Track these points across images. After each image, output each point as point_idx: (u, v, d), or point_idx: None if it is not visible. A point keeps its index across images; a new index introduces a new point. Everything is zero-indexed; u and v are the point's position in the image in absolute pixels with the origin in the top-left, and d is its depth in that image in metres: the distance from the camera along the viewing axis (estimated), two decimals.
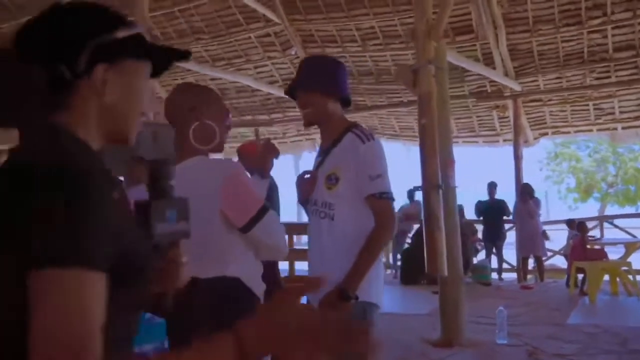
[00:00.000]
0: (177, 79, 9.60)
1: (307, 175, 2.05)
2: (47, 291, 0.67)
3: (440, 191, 4.55)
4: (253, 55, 9.75)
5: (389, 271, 9.65)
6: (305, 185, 2.01)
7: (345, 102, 2.07)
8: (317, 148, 2.17)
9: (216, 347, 0.69)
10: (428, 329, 5.03)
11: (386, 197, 1.92)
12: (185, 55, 0.94)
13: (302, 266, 5.26)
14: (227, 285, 1.64)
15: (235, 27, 9.35)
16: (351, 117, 11.01)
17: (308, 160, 11.67)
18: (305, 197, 2.03)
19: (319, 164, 2.03)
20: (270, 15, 8.76)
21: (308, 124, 2.05)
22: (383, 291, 2.02)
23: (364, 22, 8.62)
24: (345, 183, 1.93)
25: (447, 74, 4.77)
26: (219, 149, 1.74)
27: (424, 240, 4.60)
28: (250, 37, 9.43)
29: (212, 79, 10.29)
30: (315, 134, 11.11)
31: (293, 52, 9.37)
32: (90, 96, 0.84)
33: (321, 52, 9.27)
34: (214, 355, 0.68)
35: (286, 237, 1.83)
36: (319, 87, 1.97)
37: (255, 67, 9.95)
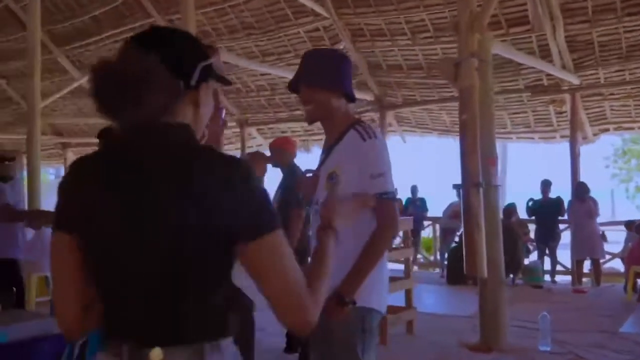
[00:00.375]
0: (229, 74, 9.74)
1: (309, 175, 1.99)
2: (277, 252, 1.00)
3: (481, 189, 4.37)
4: (302, 50, 9.71)
5: (437, 270, 9.45)
6: (308, 185, 1.95)
7: (350, 98, 1.99)
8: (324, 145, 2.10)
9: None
10: (469, 331, 4.87)
11: (387, 197, 1.83)
12: (229, 83, 1.21)
13: None
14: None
15: (284, 21, 9.37)
16: (400, 111, 10.83)
17: None
18: (307, 198, 1.97)
19: (321, 163, 1.96)
20: (318, 9, 8.71)
21: (310, 120, 1.97)
22: (387, 296, 1.91)
23: (414, 14, 8.41)
24: (345, 182, 1.84)
25: (490, 68, 4.57)
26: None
27: (463, 240, 4.45)
28: (299, 32, 9.42)
29: (262, 74, 10.38)
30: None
31: (341, 47, 9.28)
32: (191, 106, 1.07)
33: (370, 45, 9.17)
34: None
35: None
36: (322, 82, 1.90)
37: None
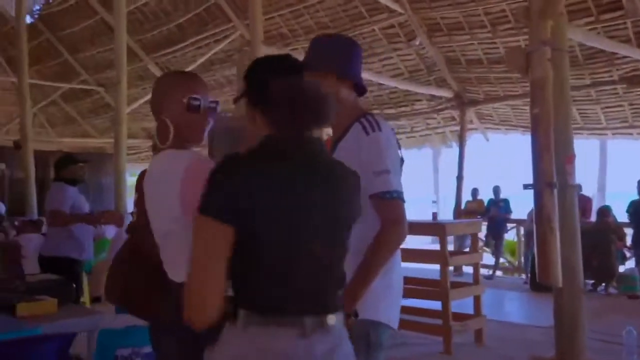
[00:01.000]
0: None
1: None
2: None
3: (555, 190, 3.99)
4: (378, 48, 9.55)
5: (522, 276, 8.90)
6: None
7: (360, 89, 1.83)
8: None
9: None
10: (545, 344, 4.49)
11: (392, 197, 1.64)
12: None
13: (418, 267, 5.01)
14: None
15: (359, 20, 9.24)
16: (481, 108, 10.37)
17: (447, 155, 11.10)
18: None
19: None
20: (393, 5, 8.49)
21: None
22: (398, 308, 1.72)
23: (494, 5, 7.96)
24: None
25: (566, 57, 4.16)
26: (196, 139, 1.61)
27: (535, 246, 4.09)
28: (374, 30, 9.25)
29: None
30: (443, 128, 10.61)
31: (417, 43, 9.00)
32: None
33: (448, 40, 8.81)
34: None
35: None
36: (333, 68, 1.74)
37: (381, 60, 9.74)
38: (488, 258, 9.44)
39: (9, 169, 12.87)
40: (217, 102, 1.65)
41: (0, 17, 12.52)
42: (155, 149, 1.68)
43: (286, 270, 1.16)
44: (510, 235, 9.88)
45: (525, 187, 4.17)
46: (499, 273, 9.32)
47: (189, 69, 10.22)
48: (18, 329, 2.29)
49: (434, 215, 4.57)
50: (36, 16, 13.67)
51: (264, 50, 6.31)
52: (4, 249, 3.59)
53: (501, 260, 9.47)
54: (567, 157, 4.04)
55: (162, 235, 1.54)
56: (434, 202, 4.59)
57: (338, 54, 1.78)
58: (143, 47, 12.20)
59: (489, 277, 8.87)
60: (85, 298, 5.97)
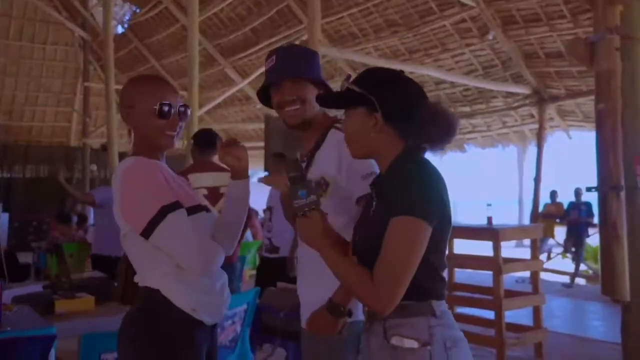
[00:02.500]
0: None
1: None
2: None
3: (623, 194, 3.61)
4: (450, 43, 9.20)
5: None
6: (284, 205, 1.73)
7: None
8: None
9: None
10: None
11: None
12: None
13: (461, 274, 4.75)
14: (144, 296, 1.49)
15: (429, 15, 8.95)
16: (563, 104, 9.66)
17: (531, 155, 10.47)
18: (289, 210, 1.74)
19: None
20: None
21: (298, 124, 1.72)
22: None
23: None
24: (336, 188, 1.64)
25: (639, 46, 3.74)
26: (167, 145, 1.57)
27: (599, 255, 3.71)
28: (445, 25, 8.91)
29: (411, 72, 10.05)
30: (521, 126, 10.02)
31: (491, 37, 8.56)
32: None
33: (525, 33, 8.30)
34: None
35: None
36: (310, 74, 1.69)
37: (453, 57, 9.38)
38: (569, 265, 8.81)
39: (99, 170, 13.80)
40: (187, 106, 1.60)
41: (96, 28, 13.45)
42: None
43: (443, 262, 1.34)
44: (593, 241, 9.15)
45: (589, 189, 3.80)
46: (580, 281, 8.66)
47: (263, 71, 10.39)
48: (34, 327, 2.39)
49: (489, 219, 4.29)
50: (126, 26, 14.57)
51: (322, 51, 6.25)
52: (58, 248, 3.80)
53: (582, 267, 8.79)
54: (637, 157, 3.63)
55: (122, 238, 1.53)
56: (488, 205, 4.30)
57: (311, 60, 1.73)
58: (221, 51, 12.59)
59: (569, 285, 8.26)
60: None
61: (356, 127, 1.36)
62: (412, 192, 1.27)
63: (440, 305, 1.32)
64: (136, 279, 1.55)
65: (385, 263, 1.24)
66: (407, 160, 1.34)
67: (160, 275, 1.47)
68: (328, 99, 1.48)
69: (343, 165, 1.61)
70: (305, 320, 1.65)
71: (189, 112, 1.61)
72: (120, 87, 11.92)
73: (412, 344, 1.27)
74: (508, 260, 4.17)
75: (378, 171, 1.59)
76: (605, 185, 3.68)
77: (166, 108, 1.54)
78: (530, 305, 4.25)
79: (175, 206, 1.43)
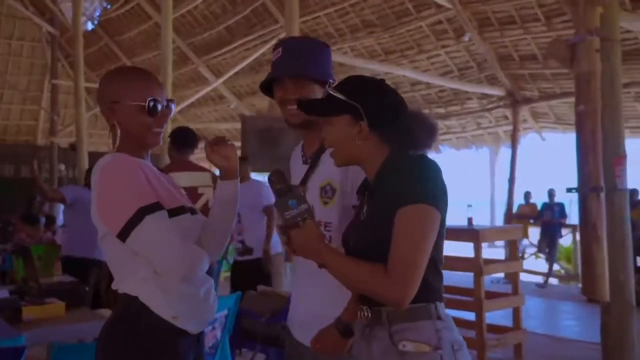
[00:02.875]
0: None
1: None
2: None
3: (602, 195, 3.63)
4: (426, 45, 9.22)
5: (579, 285, 8.32)
6: None
7: None
8: (301, 154, 1.72)
9: None
10: None
11: None
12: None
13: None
14: (123, 303, 1.40)
15: (405, 16, 8.95)
16: (536, 106, 9.83)
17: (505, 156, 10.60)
18: None
19: (306, 175, 1.62)
20: (440, 0, 8.15)
21: (299, 124, 1.61)
22: None
23: None
24: (343, 195, 1.54)
25: (618, 48, 3.76)
26: (153, 143, 1.47)
27: (580, 256, 3.72)
28: (421, 26, 8.93)
29: (387, 73, 10.04)
30: (496, 128, 10.12)
31: (466, 38, 8.61)
32: None
33: (500, 35, 8.37)
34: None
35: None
36: (316, 73, 1.59)
37: (429, 58, 9.40)
38: (543, 265, 8.92)
39: (68, 170, 13.43)
40: (172, 101, 1.50)
41: (65, 24, 13.08)
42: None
43: (442, 260, 1.31)
44: (566, 241, 9.30)
45: (569, 190, 3.82)
46: (553, 281, 8.78)
47: (237, 70, 10.26)
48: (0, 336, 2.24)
49: (470, 220, 4.27)
50: (96, 22, 14.21)
51: None
52: (25, 250, 3.62)
53: (556, 267, 8.91)
54: (616, 158, 3.65)
55: (99, 240, 1.44)
56: (469, 206, 4.28)
57: (318, 56, 1.62)
58: (194, 49, 12.38)
59: (542, 286, 8.36)
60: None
61: (340, 135, 1.32)
62: (418, 181, 1.24)
63: (443, 307, 1.29)
64: (114, 284, 1.45)
65: (399, 251, 1.19)
66: (399, 159, 1.31)
67: (139, 281, 1.38)
68: (310, 105, 1.39)
69: (350, 169, 1.52)
70: (301, 337, 1.58)
71: (174, 107, 1.51)
72: (90, 85, 11.69)
73: (423, 348, 1.22)
74: (488, 262, 4.16)
75: None
76: (586, 187, 3.70)
77: (154, 104, 1.44)
78: (510, 307, 4.25)
79: (154, 207, 1.33)
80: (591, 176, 3.67)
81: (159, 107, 1.45)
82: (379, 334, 1.29)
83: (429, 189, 1.23)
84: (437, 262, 1.29)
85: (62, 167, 13.21)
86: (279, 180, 1.32)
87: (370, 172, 1.34)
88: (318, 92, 1.60)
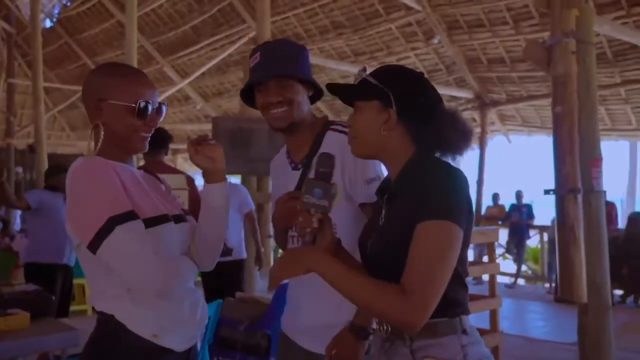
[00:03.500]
0: (319, 77, 9.50)
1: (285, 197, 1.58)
2: None
3: (580, 197, 3.65)
4: (395, 47, 9.24)
5: (546, 285, 8.47)
6: (288, 210, 1.49)
7: (317, 96, 1.61)
8: (288, 161, 1.64)
9: None
10: None
11: None
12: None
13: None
14: (99, 322, 1.28)
15: (375, 18, 8.95)
16: (503, 109, 10.00)
17: (469, 158, 10.71)
18: (288, 225, 1.54)
19: (301, 181, 1.55)
20: (410, 3, 8.18)
21: (284, 127, 1.55)
22: None
23: (517, 0, 7.59)
24: (342, 195, 1.49)
25: (593, 50, 3.80)
26: (138, 148, 1.35)
27: (557, 257, 3.74)
28: (391, 28, 8.94)
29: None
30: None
31: (436, 41, 8.66)
32: None
33: (468, 38, 8.45)
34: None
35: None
36: (300, 73, 1.53)
37: (398, 60, 9.41)
38: (510, 265, 9.03)
39: (25, 172, 12.92)
40: (164, 104, 1.38)
41: (22, 21, 12.58)
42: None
43: (467, 272, 1.25)
44: (533, 242, 9.46)
45: (547, 192, 3.83)
46: (521, 282, 8.91)
47: (203, 70, 10.07)
48: None
49: None
50: (55, 20, 13.74)
51: None
52: None
53: (523, 268, 9.05)
54: (593, 161, 3.68)
55: (76, 249, 1.31)
56: None
57: (298, 58, 1.56)
58: (159, 49, 12.11)
59: (510, 286, 8.48)
60: (88, 306, 5.78)
61: (366, 121, 1.23)
62: (442, 195, 1.14)
63: (468, 321, 1.22)
64: (90, 300, 1.33)
65: (417, 271, 1.09)
66: (426, 161, 1.21)
67: (114, 297, 1.25)
68: (339, 89, 1.31)
69: (346, 169, 1.47)
70: (310, 345, 1.52)
71: (165, 110, 1.38)
72: (49, 84, 11.24)
73: None
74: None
75: (383, 175, 1.48)
76: (563, 188, 3.71)
77: (145, 106, 1.31)
78: (488, 309, 4.23)
79: (127, 217, 1.20)
80: (568, 178, 3.68)
81: (150, 109, 1.32)
82: (400, 350, 1.21)
83: (455, 205, 1.14)
84: (462, 275, 1.22)
85: (20, 169, 12.69)
86: (325, 164, 1.24)
87: (392, 170, 1.26)
88: (302, 93, 1.55)
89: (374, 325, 1.29)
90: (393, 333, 1.22)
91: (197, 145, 1.38)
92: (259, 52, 1.54)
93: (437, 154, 1.23)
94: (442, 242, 1.11)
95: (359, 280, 1.13)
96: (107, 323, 1.25)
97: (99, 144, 1.30)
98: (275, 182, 1.70)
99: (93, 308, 1.33)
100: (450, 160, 1.23)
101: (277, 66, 1.52)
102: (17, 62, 13.84)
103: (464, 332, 1.18)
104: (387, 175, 1.30)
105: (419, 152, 1.23)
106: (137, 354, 1.24)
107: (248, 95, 1.61)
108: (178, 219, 1.35)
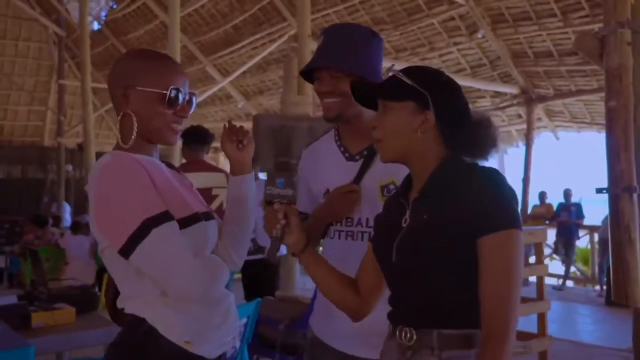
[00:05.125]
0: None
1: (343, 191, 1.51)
2: None
3: (635, 195, 3.46)
4: (438, 42, 9.07)
5: (596, 287, 8.15)
6: (347, 201, 1.46)
7: None
8: (340, 151, 1.57)
9: None
10: None
11: None
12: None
13: None
14: (128, 324, 1.22)
15: (417, 13, 8.80)
16: (551, 104, 9.69)
17: (514, 156, 10.45)
18: (345, 217, 1.50)
19: (361, 172, 1.50)
20: None
21: (333, 117, 1.51)
22: None
23: None
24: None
25: None
26: (167, 140, 1.28)
27: (610, 258, 3.56)
28: (433, 23, 8.77)
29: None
30: (509, 127, 9.94)
31: (480, 35, 8.44)
32: None
33: (514, 32, 8.20)
34: None
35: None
36: (356, 67, 1.45)
37: (440, 56, 9.24)
38: (558, 267, 8.74)
39: (75, 170, 13.35)
40: (195, 94, 1.31)
41: (71, 24, 13.00)
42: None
43: None
44: (582, 243, 9.11)
45: (599, 191, 3.65)
46: (569, 283, 8.61)
47: (245, 69, 10.14)
48: (8, 346, 2.11)
49: None
50: (102, 22, 14.13)
51: (313, 46, 6.03)
52: (33, 253, 3.50)
53: (572, 269, 8.73)
54: None
55: (100, 254, 1.25)
56: None
57: (359, 50, 1.48)
58: (201, 48, 12.28)
59: (559, 288, 8.19)
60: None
61: (400, 123, 1.17)
62: (503, 202, 1.10)
63: None
64: (119, 302, 1.27)
65: (502, 288, 1.07)
66: (463, 166, 1.17)
67: (145, 302, 1.20)
68: (365, 87, 1.26)
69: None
70: (353, 350, 1.47)
71: (195, 101, 1.31)
72: (97, 85, 11.57)
73: None
74: None
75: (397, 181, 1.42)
76: (616, 187, 3.52)
77: (176, 94, 1.24)
78: (536, 312, 4.08)
79: (162, 219, 1.13)
80: (623, 176, 3.50)
81: (181, 98, 1.25)
82: (427, 359, 1.13)
83: (515, 210, 1.11)
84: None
85: (70, 167, 13.11)
86: (282, 154, 1.26)
87: (420, 172, 1.19)
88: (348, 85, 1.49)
89: (391, 332, 1.21)
90: (417, 341, 1.14)
91: (229, 131, 1.32)
92: (324, 36, 1.51)
93: (467, 158, 1.19)
94: (516, 251, 1.08)
95: None
96: (137, 326, 1.19)
97: (133, 135, 1.22)
98: (316, 169, 1.60)
99: (114, 308, 1.28)
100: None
101: (334, 56, 1.46)
102: (67, 63, 14.31)
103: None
104: (407, 176, 1.24)
105: (452, 155, 1.18)
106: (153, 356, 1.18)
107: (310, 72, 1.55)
108: (207, 216, 1.29)
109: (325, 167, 1.58)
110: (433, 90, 1.16)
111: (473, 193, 1.10)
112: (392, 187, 1.46)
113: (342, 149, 1.56)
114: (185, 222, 1.19)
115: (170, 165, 1.36)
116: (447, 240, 1.08)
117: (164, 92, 1.22)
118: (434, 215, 1.12)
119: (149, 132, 1.25)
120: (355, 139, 1.53)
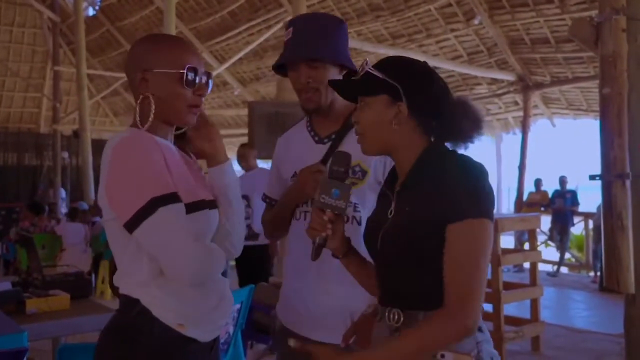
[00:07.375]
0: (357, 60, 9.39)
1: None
2: None
3: (628, 182, 3.47)
4: (435, 28, 9.02)
5: (590, 274, 8.20)
6: (313, 181, 1.46)
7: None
8: (310, 134, 1.59)
9: None
10: (613, 355, 3.99)
11: None
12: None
13: None
14: (123, 305, 1.24)
15: None
16: (548, 91, 9.69)
17: (510, 142, 10.47)
18: (307, 197, 1.51)
19: (327, 154, 1.51)
20: None
21: (314, 109, 1.52)
22: None
23: None
24: (373, 177, 1.47)
25: None
26: (183, 120, 1.27)
27: (602, 246, 3.58)
28: (430, 10, 8.73)
29: None
30: (505, 114, 9.93)
31: (477, 22, 8.41)
32: None
33: (511, 18, 8.17)
34: None
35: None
36: (331, 54, 1.48)
37: (437, 42, 9.20)
38: (552, 253, 8.79)
39: (71, 157, 13.31)
40: (210, 75, 1.31)
41: (66, 10, 12.89)
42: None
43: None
44: (577, 229, 9.16)
45: (592, 177, 3.65)
46: (564, 270, 8.66)
47: (241, 55, 10.08)
48: (2, 332, 2.12)
49: None
50: (97, 8, 14.01)
51: None
52: (28, 240, 3.50)
53: (567, 255, 8.79)
54: None
55: (104, 223, 1.27)
56: None
57: (331, 37, 1.51)
58: (197, 35, 12.20)
59: (553, 274, 8.25)
60: (103, 288, 5.84)
61: (375, 117, 1.19)
62: (474, 190, 1.11)
63: (481, 319, 1.17)
64: (115, 280, 1.28)
65: (463, 275, 1.07)
66: (443, 155, 1.17)
67: (140, 282, 1.21)
68: (343, 85, 1.28)
69: (387, 160, 1.43)
70: (316, 335, 1.47)
71: (211, 83, 1.31)
72: (92, 71, 11.49)
73: (465, 359, 1.09)
74: (506, 252, 4.03)
75: None
76: (609, 174, 3.53)
77: (193, 75, 1.24)
78: (528, 298, 4.12)
79: (170, 199, 1.14)
80: (616, 162, 3.50)
81: (198, 78, 1.25)
82: None
83: (486, 200, 1.11)
84: (486, 272, 1.18)
85: (66, 154, 13.08)
86: (340, 162, 1.22)
87: (403, 164, 1.20)
88: (333, 75, 1.50)
89: (380, 314, 1.23)
90: (405, 323, 1.16)
91: (196, 129, 1.32)
92: (292, 28, 1.51)
93: (449, 144, 1.19)
94: (481, 241, 1.09)
95: (401, 343, 1.09)
96: (130, 307, 1.21)
97: (150, 117, 1.22)
98: (287, 155, 1.63)
99: (113, 288, 1.31)
100: (462, 149, 1.20)
101: (307, 47, 1.48)
102: (62, 50, 14.21)
103: (480, 329, 1.14)
104: (393, 167, 1.25)
105: (433, 144, 1.19)
106: (160, 342, 1.20)
107: (282, 66, 1.56)
108: (212, 205, 1.30)
109: (295, 151, 1.61)
110: (404, 82, 1.16)
111: (445, 183, 1.11)
112: (357, 168, 1.49)
113: (312, 133, 1.58)
114: (191, 208, 1.21)
115: (182, 149, 1.37)
116: (427, 231, 1.10)
117: (181, 71, 1.23)
118: (415, 206, 1.14)
119: (168, 113, 1.26)
120: (325, 124, 1.55)
